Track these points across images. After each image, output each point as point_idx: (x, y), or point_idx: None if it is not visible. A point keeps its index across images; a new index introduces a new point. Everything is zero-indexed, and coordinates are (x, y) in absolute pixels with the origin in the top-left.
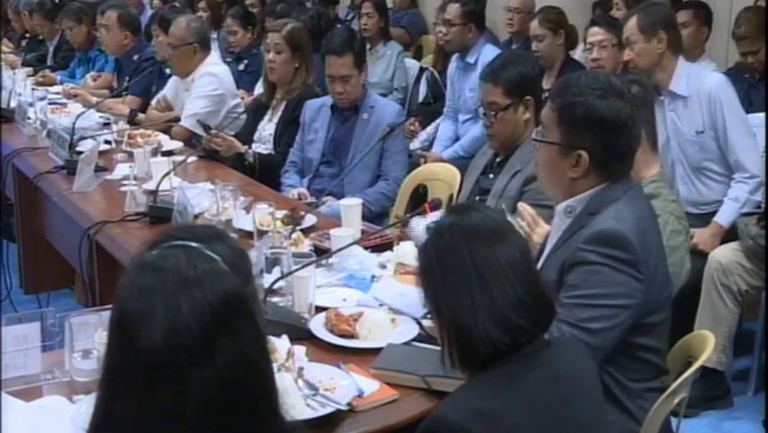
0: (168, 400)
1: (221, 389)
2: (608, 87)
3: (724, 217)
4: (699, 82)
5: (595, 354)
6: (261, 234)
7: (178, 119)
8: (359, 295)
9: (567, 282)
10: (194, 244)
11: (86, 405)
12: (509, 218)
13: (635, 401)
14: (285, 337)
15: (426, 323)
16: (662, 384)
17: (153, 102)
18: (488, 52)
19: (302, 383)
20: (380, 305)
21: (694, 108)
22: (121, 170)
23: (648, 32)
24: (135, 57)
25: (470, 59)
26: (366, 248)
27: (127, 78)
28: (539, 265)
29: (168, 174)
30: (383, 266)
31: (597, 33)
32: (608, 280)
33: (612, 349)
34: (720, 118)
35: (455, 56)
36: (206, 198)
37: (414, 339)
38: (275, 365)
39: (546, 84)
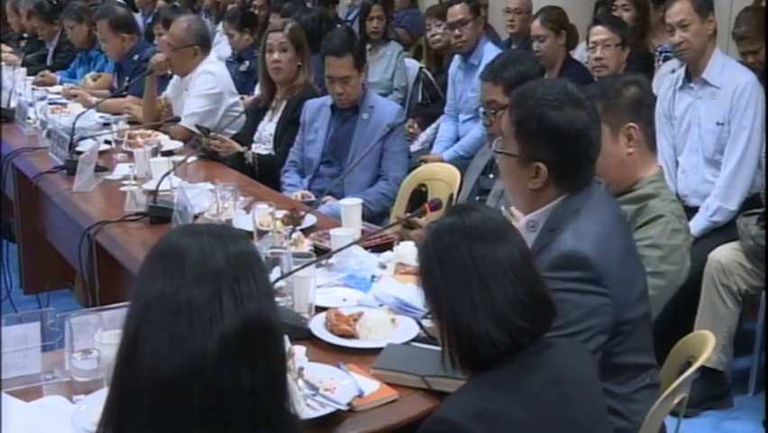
0: (202, 330)
1: (249, 322)
2: (563, 96)
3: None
4: (732, 75)
5: None
6: (261, 234)
7: (178, 119)
8: (359, 295)
9: None
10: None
11: (86, 405)
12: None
13: (624, 404)
14: (285, 337)
15: (426, 323)
16: (652, 380)
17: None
18: (489, 52)
19: (302, 383)
20: (380, 305)
21: (721, 100)
22: (121, 170)
23: (702, 13)
24: (135, 57)
25: (474, 61)
26: (366, 248)
27: (127, 78)
28: None
29: (168, 174)
30: (383, 266)
31: (600, 33)
32: (575, 305)
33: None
34: (737, 117)
35: (457, 57)
36: (206, 198)
37: (414, 339)
38: None
39: None
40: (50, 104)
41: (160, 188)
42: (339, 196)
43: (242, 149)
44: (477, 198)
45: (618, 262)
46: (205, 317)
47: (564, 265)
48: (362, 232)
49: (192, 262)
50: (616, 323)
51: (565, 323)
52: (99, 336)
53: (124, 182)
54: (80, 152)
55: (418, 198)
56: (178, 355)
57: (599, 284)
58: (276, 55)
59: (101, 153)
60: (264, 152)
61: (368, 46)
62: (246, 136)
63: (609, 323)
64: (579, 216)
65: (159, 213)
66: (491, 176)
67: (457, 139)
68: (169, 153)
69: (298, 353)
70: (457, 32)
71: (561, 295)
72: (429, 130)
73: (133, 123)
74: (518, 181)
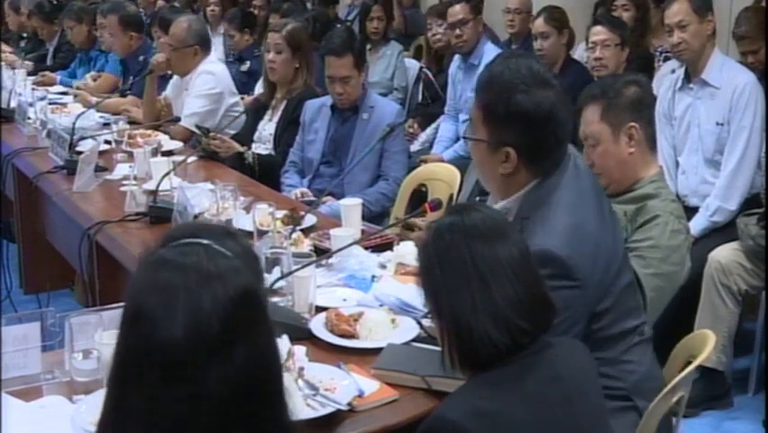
0: (184, 395)
1: (239, 385)
2: (529, 78)
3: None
4: (731, 75)
5: None
6: (261, 234)
7: (178, 119)
8: (359, 295)
9: None
10: (210, 242)
11: (86, 405)
12: None
13: (615, 366)
14: (285, 337)
15: (426, 323)
16: (642, 336)
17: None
18: (489, 52)
19: (302, 383)
20: (380, 305)
21: (720, 100)
22: (121, 170)
23: (701, 13)
24: (141, 57)
25: (474, 60)
26: (366, 248)
27: (131, 78)
28: None
29: (168, 174)
30: (383, 266)
31: (599, 33)
32: None
33: None
34: (737, 117)
35: (457, 56)
36: (206, 198)
37: (414, 339)
38: None
39: None
40: (50, 104)
41: (160, 188)
42: (339, 196)
43: (242, 149)
44: (477, 198)
45: (592, 247)
46: (198, 379)
47: (534, 262)
48: (362, 232)
49: (183, 314)
50: (594, 305)
51: None
52: (99, 336)
53: (124, 182)
54: (80, 152)
55: (418, 198)
56: (167, 416)
57: (570, 278)
58: (271, 55)
59: (101, 153)
60: (264, 152)
61: (368, 46)
62: (246, 136)
63: (584, 312)
64: (549, 205)
65: (159, 213)
66: None
67: (457, 139)
68: (169, 153)
69: (298, 353)
70: (458, 31)
71: None
72: (429, 130)
73: (133, 123)
74: (489, 167)
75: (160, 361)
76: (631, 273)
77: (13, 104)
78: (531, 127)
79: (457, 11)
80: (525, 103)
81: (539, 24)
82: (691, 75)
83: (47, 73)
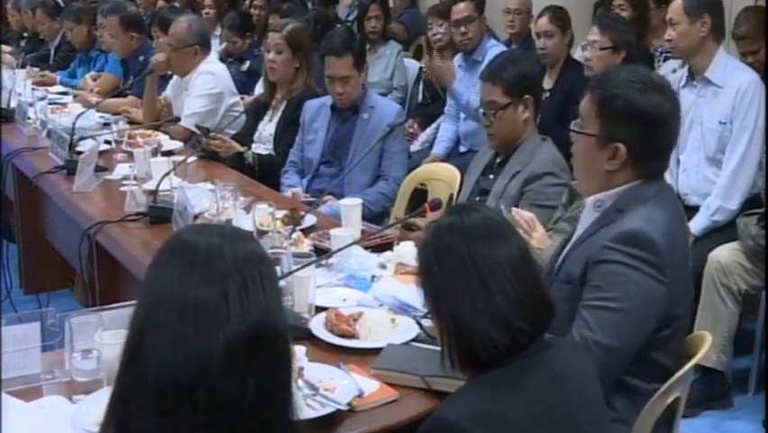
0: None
1: (249, 333)
2: (648, 81)
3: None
4: (735, 74)
5: (617, 358)
6: (261, 234)
7: (178, 119)
8: (359, 295)
9: (591, 282)
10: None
11: (86, 405)
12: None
13: (644, 399)
14: None
15: (426, 323)
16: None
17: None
18: (492, 49)
19: (302, 383)
20: (380, 305)
21: (723, 99)
22: (121, 170)
23: (693, 14)
24: (141, 57)
25: (478, 57)
26: (366, 248)
27: (131, 78)
28: (561, 258)
29: (168, 174)
30: (383, 266)
31: (593, 33)
32: (632, 282)
33: (634, 353)
34: (740, 116)
35: (458, 56)
36: (206, 198)
37: (414, 339)
38: None
39: (548, 83)
40: (50, 104)
41: (160, 188)
42: (339, 196)
43: (242, 149)
44: (477, 198)
45: (679, 261)
46: (211, 320)
47: (629, 241)
48: (362, 232)
49: (200, 262)
50: (666, 317)
51: (617, 297)
52: (99, 336)
53: (124, 182)
54: (80, 152)
55: (418, 198)
56: (182, 356)
57: (661, 272)
58: (271, 55)
59: (101, 153)
60: (264, 152)
61: (367, 46)
62: (246, 136)
63: (661, 314)
64: (649, 204)
65: (159, 213)
66: (491, 176)
67: (457, 139)
68: (169, 153)
69: (298, 353)
70: (462, 29)
71: (619, 268)
72: (429, 130)
73: (133, 123)
74: (593, 161)
75: (185, 305)
76: (688, 315)
77: (13, 104)
78: (646, 127)
79: (461, 8)
80: (643, 102)
81: (543, 23)
82: (695, 73)
83: (47, 73)
